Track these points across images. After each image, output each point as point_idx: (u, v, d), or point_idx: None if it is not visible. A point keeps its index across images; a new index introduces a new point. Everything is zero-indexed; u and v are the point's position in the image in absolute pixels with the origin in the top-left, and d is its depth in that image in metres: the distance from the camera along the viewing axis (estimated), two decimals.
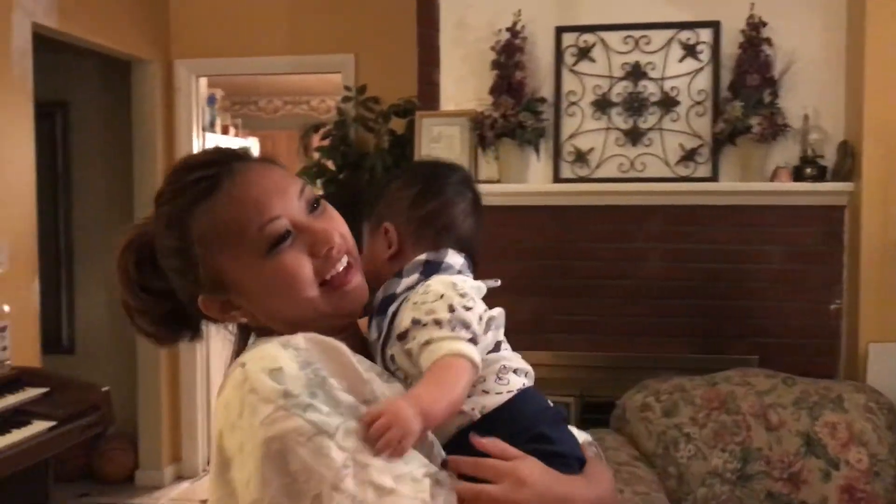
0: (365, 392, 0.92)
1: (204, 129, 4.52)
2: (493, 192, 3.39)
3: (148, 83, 4.28)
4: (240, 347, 1.04)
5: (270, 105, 8.41)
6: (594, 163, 3.37)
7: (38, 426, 2.58)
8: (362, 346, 1.04)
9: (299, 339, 0.93)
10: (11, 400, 2.64)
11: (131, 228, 1.05)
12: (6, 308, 2.84)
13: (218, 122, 4.77)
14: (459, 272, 1.06)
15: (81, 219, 4.52)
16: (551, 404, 1.04)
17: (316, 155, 3.96)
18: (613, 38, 3.37)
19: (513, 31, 3.33)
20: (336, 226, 1.01)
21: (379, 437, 0.85)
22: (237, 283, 0.98)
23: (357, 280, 1.00)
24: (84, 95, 4.48)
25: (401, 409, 0.87)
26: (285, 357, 0.90)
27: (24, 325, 3.14)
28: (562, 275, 3.42)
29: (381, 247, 1.09)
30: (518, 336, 3.83)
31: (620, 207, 3.34)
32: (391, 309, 1.01)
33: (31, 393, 2.73)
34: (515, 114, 3.27)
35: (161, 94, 4.32)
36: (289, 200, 0.97)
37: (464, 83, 3.49)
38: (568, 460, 0.99)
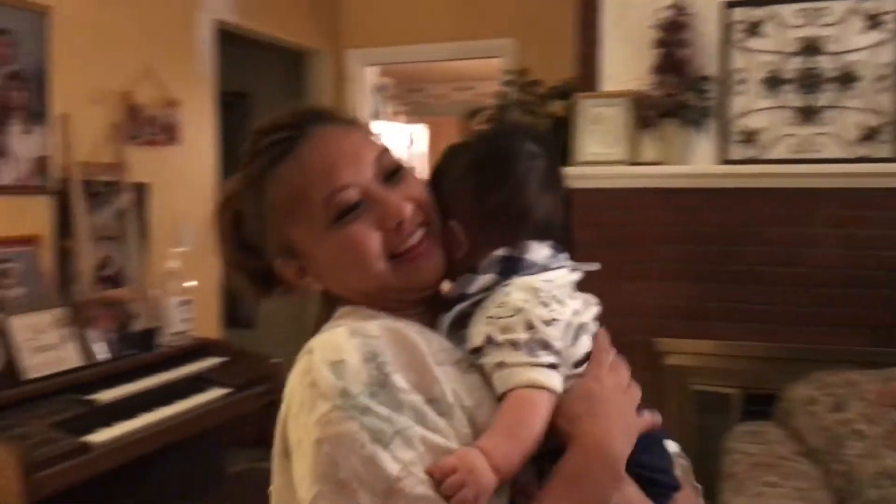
0: (434, 390, 0.86)
1: (373, 118, 4.68)
2: (654, 174, 3.32)
3: (321, 73, 4.50)
4: (323, 315, 0.99)
5: (439, 91, 8.58)
6: (764, 143, 3.21)
7: (215, 393, 2.79)
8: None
9: (372, 326, 0.89)
10: (192, 368, 2.87)
11: (230, 184, 1.02)
12: (192, 283, 3.08)
13: (387, 111, 4.92)
14: (545, 268, 0.94)
15: None
16: (646, 414, 0.96)
17: None
18: (786, 11, 3.18)
19: (678, 7, 3.23)
20: (414, 195, 0.95)
21: (452, 493, 0.80)
22: (307, 252, 0.95)
23: (432, 252, 0.94)
24: (263, 86, 4.76)
25: (476, 464, 0.81)
26: (350, 348, 0.86)
27: (207, 300, 3.40)
28: (726, 260, 3.29)
29: (449, 247, 0.96)
30: (674, 323, 3.76)
31: (792, 190, 3.16)
32: (458, 308, 0.94)
33: (210, 362, 2.96)
34: (679, 93, 3.17)
35: (332, 84, 4.52)
36: (362, 168, 0.92)
37: (624, 63, 3.41)
38: (666, 490, 0.96)
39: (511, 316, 0.88)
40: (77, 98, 2.82)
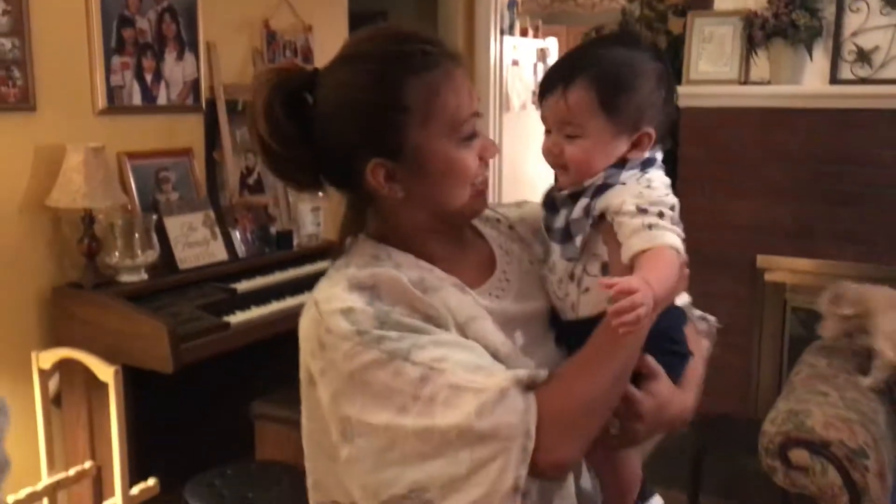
0: (427, 310, 1.01)
1: (502, 33, 4.85)
2: (764, 94, 3.35)
3: None
4: (344, 231, 1.09)
5: (588, 1, 8.50)
6: (878, 62, 3.16)
7: None
8: (474, 250, 1.14)
9: (365, 275, 1.01)
10: (320, 266, 3.27)
11: (273, 72, 1.05)
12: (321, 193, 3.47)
13: (517, 25, 5.07)
14: (661, 166, 1.09)
15: None
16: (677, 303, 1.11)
17: None
18: None
19: None
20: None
21: (626, 311, 0.88)
22: (423, 159, 1.02)
23: (487, 190, 1.09)
24: (400, 5, 5.03)
25: (639, 285, 0.90)
26: (353, 298, 0.99)
27: (335, 208, 3.79)
28: (832, 181, 3.31)
29: (623, 147, 1.06)
30: (777, 241, 3.97)
31: None
32: (600, 192, 1.04)
33: None
34: (788, 12, 3.16)
35: (463, 2, 4.71)
36: (476, 101, 1.05)
37: None
38: (687, 358, 1.12)
39: (659, 196, 1.02)
40: (222, 27, 3.21)
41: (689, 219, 3.61)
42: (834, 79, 3.23)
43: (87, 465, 2.61)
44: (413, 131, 1.00)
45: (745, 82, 3.38)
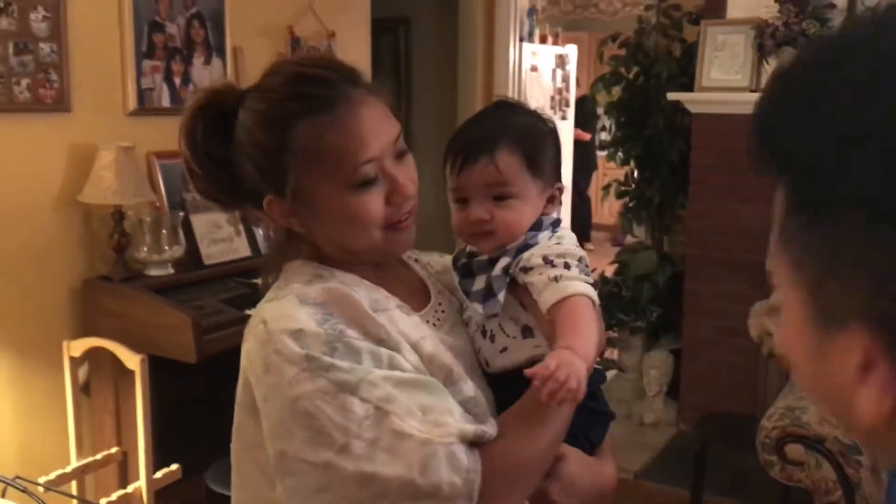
0: (380, 332, 0.97)
1: (521, 40, 4.95)
2: None
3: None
4: (276, 256, 1.09)
5: (610, 7, 8.58)
6: None
7: None
8: (403, 279, 1.13)
9: (315, 290, 0.98)
10: None
11: (203, 93, 1.05)
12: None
13: (536, 32, 5.16)
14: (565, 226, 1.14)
15: (417, 120, 5.27)
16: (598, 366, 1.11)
17: (609, 64, 4.21)
18: None
19: None
20: (412, 174, 1.05)
21: (558, 387, 0.91)
22: (313, 202, 1.00)
23: (412, 226, 1.06)
24: (422, 12, 5.14)
25: (569, 359, 0.93)
26: (304, 316, 0.95)
27: None
28: None
29: (539, 208, 1.11)
30: None
31: None
32: (518, 256, 1.07)
33: None
34: (799, 22, 3.24)
35: (483, 9, 4.82)
36: (385, 144, 1.00)
37: None
38: (606, 419, 1.16)
39: (566, 248, 1.06)
40: (248, 33, 3.33)
41: (699, 222, 3.76)
42: None
43: (114, 450, 2.74)
44: (300, 174, 0.99)
45: (757, 90, 3.45)
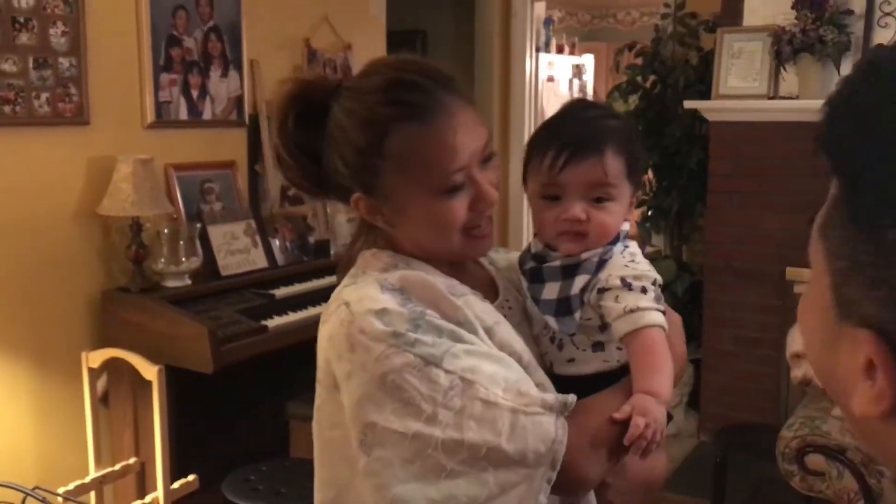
0: (458, 315, 1.00)
1: (538, 50, 4.96)
2: (791, 108, 3.40)
3: (488, 10, 4.81)
4: (353, 245, 1.12)
5: (628, 17, 8.57)
6: None
7: None
8: (474, 276, 1.14)
9: (393, 277, 1.01)
10: None
11: (297, 83, 1.07)
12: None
13: (553, 42, 5.17)
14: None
15: None
16: None
17: (626, 73, 4.20)
18: None
19: None
20: (495, 181, 1.06)
21: (639, 436, 0.96)
22: (400, 204, 1.03)
23: (491, 234, 1.08)
24: (438, 24, 5.16)
25: (647, 406, 0.98)
26: (386, 299, 0.98)
27: None
28: None
29: (626, 213, 1.11)
30: (805, 254, 4.04)
31: None
32: (589, 270, 1.08)
33: None
34: (816, 28, 3.22)
35: (500, 20, 4.83)
36: (474, 151, 1.02)
37: None
38: (667, 418, 1.17)
39: (642, 271, 1.06)
40: (265, 45, 3.36)
41: (718, 231, 3.73)
42: None
43: (132, 460, 2.75)
44: (391, 177, 1.01)
45: (774, 97, 3.43)
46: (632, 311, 1.02)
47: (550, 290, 1.09)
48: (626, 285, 1.04)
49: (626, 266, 1.06)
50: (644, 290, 1.04)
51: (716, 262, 3.69)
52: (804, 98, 3.35)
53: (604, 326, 1.07)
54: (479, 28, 4.88)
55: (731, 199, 3.60)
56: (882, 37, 3.22)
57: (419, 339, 0.95)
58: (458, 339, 0.97)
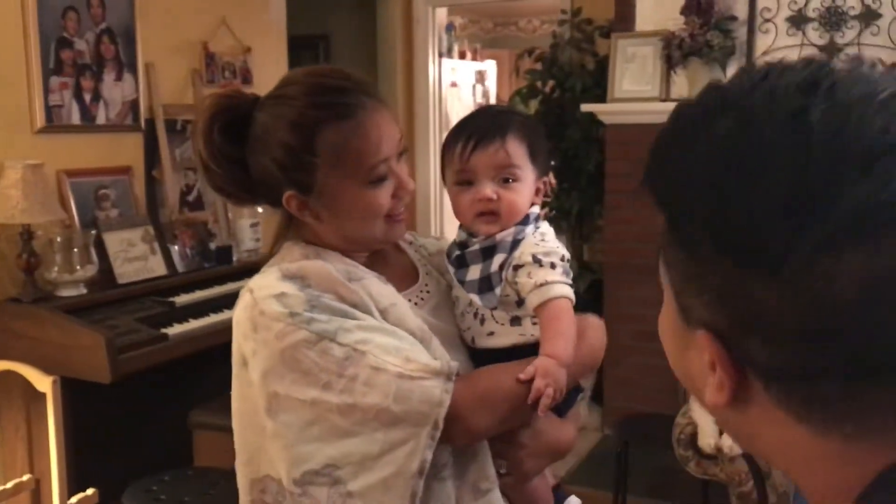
0: (353, 298, 1.10)
1: (441, 55, 5.00)
2: None
3: (390, 16, 4.84)
4: (278, 237, 1.20)
5: (530, 25, 8.74)
6: None
7: None
8: (394, 263, 1.25)
9: (295, 267, 1.11)
10: None
11: (219, 97, 1.16)
12: (260, 210, 3.55)
13: (455, 48, 5.22)
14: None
15: None
16: None
17: (526, 77, 4.29)
18: None
19: None
20: (410, 173, 1.20)
21: (540, 395, 1.07)
22: (331, 197, 1.12)
23: (405, 217, 1.19)
24: (340, 28, 5.15)
25: (549, 368, 1.08)
26: (285, 285, 1.08)
27: (273, 222, 3.88)
28: None
29: (532, 195, 1.22)
30: None
31: None
32: (504, 249, 1.19)
33: None
34: (703, 33, 3.36)
35: (402, 25, 4.86)
36: (393, 146, 1.14)
37: (659, 4, 3.60)
38: (576, 392, 1.26)
39: (551, 248, 1.18)
40: (161, 48, 3.29)
41: (617, 230, 3.82)
42: None
43: (26, 477, 2.64)
44: (322, 173, 1.11)
45: (666, 99, 3.56)
46: (541, 284, 1.14)
47: (473, 272, 1.20)
48: (537, 261, 1.16)
49: (536, 244, 1.17)
50: (553, 266, 1.16)
51: (615, 260, 3.79)
52: None
53: (520, 302, 1.17)
54: (381, 34, 4.90)
55: (629, 198, 3.71)
56: (764, 41, 3.39)
57: (314, 318, 1.05)
58: (351, 318, 1.08)
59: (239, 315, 1.11)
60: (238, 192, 1.18)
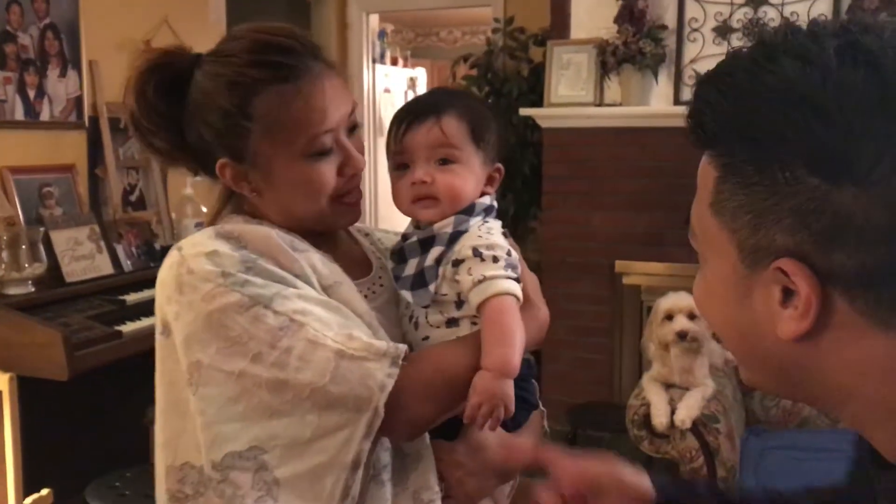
0: (295, 268, 0.99)
1: (374, 61, 5.07)
2: (616, 115, 3.70)
3: (324, 20, 4.88)
4: (217, 209, 1.10)
5: (451, 36, 8.89)
6: None
7: None
8: (345, 251, 1.13)
9: (230, 226, 1.01)
10: None
11: (156, 52, 1.06)
12: (204, 209, 3.54)
13: (388, 54, 5.30)
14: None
15: None
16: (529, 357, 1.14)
17: (462, 83, 4.40)
18: None
19: None
20: (361, 149, 1.07)
21: (486, 420, 0.97)
22: (268, 168, 1.01)
23: (359, 202, 1.08)
24: None
25: (490, 387, 0.96)
26: (218, 243, 0.97)
27: None
28: (682, 192, 3.63)
29: (480, 183, 1.11)
30: (633, 248, 4.34)
31: None
32: (445, 242, 1.07)
33: None
34: (636, 41, 3.53)
35: (336, 30, 4.90)
36: (342, 116, 1.02)
37: (592, 13, 3.77)
38: (531, 408, 1.16)
39: (494, 241, 1.05)
40: (104, 46, 3.25)
41: (553, 230, 3.99)
42: (677, 100, 3.62)
43: None
44: (258, 140, 1.00)
45: (600, 104, 3.73)
46: (481, 280, 1.02)
47: (410, 267, 1.09)
48: (478, 255, 1.03)
49: (479, 237, 1.05)
50: (496, 259, 1.03)
51: (552, 258, 3.93)
52: (626, 105, 3.66)
53: (460, 303, 1.06)
54: (315, 37, 4.91)
55: (564, 199, 3.85)
56: (692, 50, 3.59)
57: (249, 280, 0.94)
58: (290, 286, 0.96)
59: (164, 275, 0.99)
60: (170, 151, 1.07)
